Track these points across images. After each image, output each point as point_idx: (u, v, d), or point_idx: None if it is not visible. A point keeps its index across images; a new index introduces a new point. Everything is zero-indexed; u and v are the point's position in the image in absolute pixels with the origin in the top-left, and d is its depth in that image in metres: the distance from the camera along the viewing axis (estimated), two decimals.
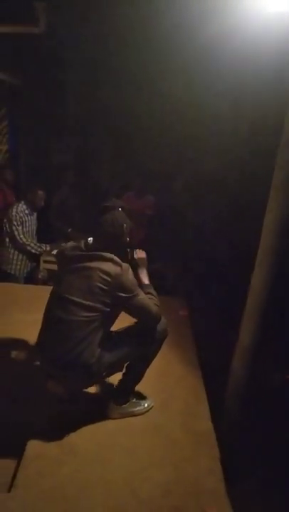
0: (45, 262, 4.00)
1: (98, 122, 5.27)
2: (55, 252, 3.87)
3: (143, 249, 2.15)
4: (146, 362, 2.05)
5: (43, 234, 4.25)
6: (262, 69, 3.46)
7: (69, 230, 4.34)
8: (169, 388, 2.41)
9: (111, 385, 2.26)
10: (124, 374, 2.08)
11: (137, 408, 2.14)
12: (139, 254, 2.10)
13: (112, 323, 1.93)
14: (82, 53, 4.88)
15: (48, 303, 1.94)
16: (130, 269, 1.82)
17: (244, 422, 2.37)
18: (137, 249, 2.11)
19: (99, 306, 1.76)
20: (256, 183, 2.53)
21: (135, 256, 2.06)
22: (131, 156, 5.27)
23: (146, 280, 2.06)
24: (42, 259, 4.01)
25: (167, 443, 1.98)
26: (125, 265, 1.80)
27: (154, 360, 2.07)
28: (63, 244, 2.02)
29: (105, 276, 1.74)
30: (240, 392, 2.29)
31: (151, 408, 2.18)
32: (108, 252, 1.80)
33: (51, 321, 1.88)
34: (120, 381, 2.12)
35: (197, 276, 4.19)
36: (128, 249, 2.04)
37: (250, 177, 4.10)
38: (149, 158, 5.07)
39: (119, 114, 5.04)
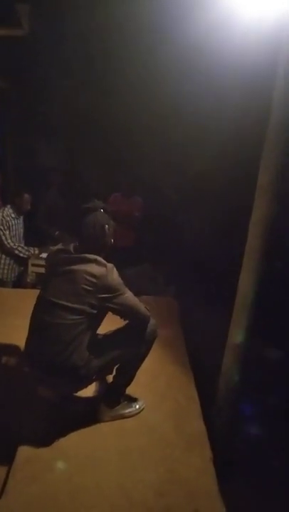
0: (34, 265, 3.97)
1: (86, 124, 5.26)
2: (43, 255, 3.84)
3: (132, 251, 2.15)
4: (137, 363, 2.05)
5: (31, 237, 4.23)
6: (246, 71, 3.49)
7: (56, 232, 4.32)
8: (161, 389, 2.41)
9: (102, 387, 2.25)
10: (114, 376, 2.08)
11: (129, 410, 2.13)
12: None
13: (99, 324, 1.92)
14: (67, 55, 4.87)
15: (34, 307, 1.92)
16: (115, 269, 1.81)
17: (236, 420, 2.38)
18: None
19: (85, 308, 1.75)
20: (244, 183, 2.54)
21: None
22: (119, 157, 5.26)
23: None
24: (30, 262, 3.98)
25: (159, 444, 1.97)
26: (110, 265, 1.79)
27: (145, 361, 2.07)
28: (51, 248, 2.01)
29: (90, 278, 1.73)
30: (231, 391, 2.29)
31: (142, 409, 2.18)
32: (92, 254, 1.79)
33: (38, 326, 1.86)
34: (111, 383, 2.11)
35: (187, 277, 4.21)
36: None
37: (237, 178, 4.13)
38: (137, 159, 5.08)
39: (107, 115, 5.04)
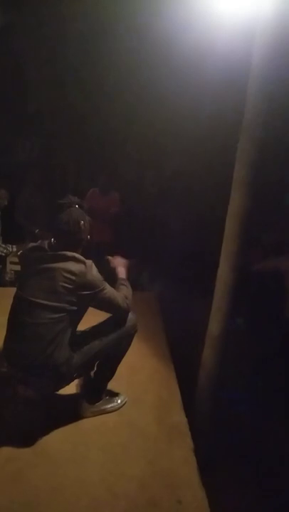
0: (12, 263, 3.91)
1: (63, 121, 5.19)
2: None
3: (116, 253, 2.16)
4: (118, 358, 2.05)
5: (9, 234, 4.15)
6: (221, 64, 3.51)
7: (36, 230, 4.25)
8: (142, 383, 2.42)
9: (83, 383, 2.24)
10: (95, 372, 2.07)
11: (110, 405, 2.13)
12: (116, 263, 2.13)
13: (80, 320, 1.90)
14: (44, 52, 4.79)
15: (12, 307, 1.87)
16: (94, 265, 1.79)
17: (216, 411, 2.41)
18: (111, 257, 2.10)
19: (65, 305, 1.72)
20: (221, 177, 2.57)
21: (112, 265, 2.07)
22: (97, 153, 5.22)
23: (123, 275, 2.09)
24: (8, 260, 3.91)
25: (141, 437, 1.98)
26: (88, 262, 1.77)
27: (127, 355, 2.08)
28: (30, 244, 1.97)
29: (69, 275, 1.70)
30: (211, 382, 2.32)
31: (124, 404, 2.18)
32: (69, 251, 1.76)
33: (17, 326, 1.81)
34: (92, 379, 2.11)
35: (168, 271, 4.23)
36: (106, 259, 2.07)
37: (215, 172, 4.16)
38: (116, 154, 5.05)
39: (85, 112, 4.98)
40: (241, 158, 1.98)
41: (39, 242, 1.88)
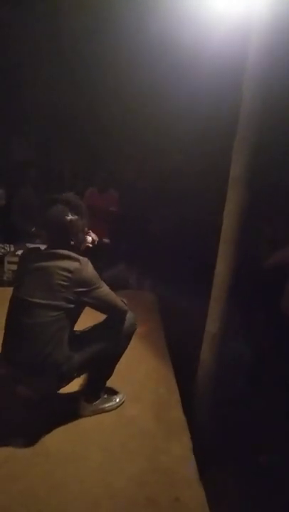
0: (10, 263, 3.90)
1: (60, 120, 5.19)
2: (19, 252, 3.79)
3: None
4: (116, 357, 2.05)
5: (7, 234, 4.15)
6: (216, 64, 3.51)
7: (33, 229, 4.25)
8: (141, 381, 2.43)
9: (81, 383, 2.25)
10: (94, 371, 2.07)
11: (109, 404, 2.14)
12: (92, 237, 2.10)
13: (77, 319, 1.90)
14: (38, 50, 4.78)
15: (9, 308, 1.86)
16: (90, 263, 1.78)
17: (215, 409, 2.42)
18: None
19: (62, 303, 1.72)
20: (217, 176, 2.57)
21: (89, 242, 2.04)
22: (94, 152, 5.22)
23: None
24: (6, 260, 3.91)
25: (140, 435, 1.99)
26: (84, 259, 1.76)
27: (125, 353, 2.08)
28: (27, 245, 1.97)
29: (65, 273, 1.70)
30: (209, 380, 2.33)
31: (123, 402, 2.19)
32: (63, 248, 1.76)
33: (15, 327, 1.81)
34: (90, 378, 2.11)
35: (164, 270, 4.23)
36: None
37: (211, 171, 4.16)
38: (113, 154, 5.05)
39: (82, 111, 4.98)
40: (237, 157, 1.98)
41: (37, 241, 1.88)
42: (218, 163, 2.41)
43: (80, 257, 1.76)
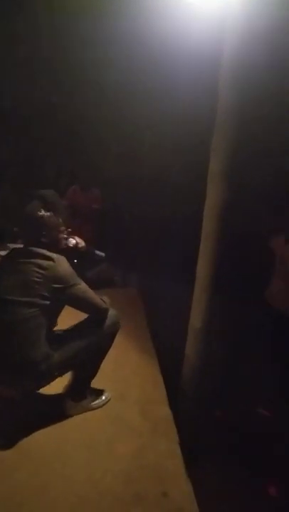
0: None
1: (40, 119, 5.11)
2: (1, 252, 3.73)
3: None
4: (100, 356, 2.04)
5: None
6: (194, 58, 3.50)
7: (15, 228, 4.19)
8: (127, 378, 2.43)
9: (67, 382, 2.23)
10: (78, 370, 2.05)
11: (95, 402, 2.14)
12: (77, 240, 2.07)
13: (56, 318, 1.89)
14: (16, 48, 4.70)
15: None
16: (65, 260, 1.77)
17: (200, 403, 2.43)
18: (71, 238, 2.07)
19: (36, 300, 1.70)
20: (196, 172, 2.58)
21: (70, 244, 2.02)
22: (76, 151, 5.17)
23: None
24: None
25: (126, 432, 1.99)
26: (58, 256, 1.75)
27: (110, 351, 2.07)
28: (9, 245, 1.94)
29: (38, 269, 1.69)
30: (194, 374, 2.34)
31: (109, 400, 2.18)
32: (37, 246, 1.75)
33: None
34: (75, 377, 2.09)
35: (148, 266, 4.24)
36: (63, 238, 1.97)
37: (190, 167, 4.17)
38: (96, 151, 5.01)
39: (62, 109, 4.92)
40: (216, 152, 1.98)
41: (19, 241, 1.85)
42: (198, 159, 2.41)
43: (55, 255, 1.74)
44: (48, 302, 1.73)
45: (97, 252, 2.24)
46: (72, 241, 2.05)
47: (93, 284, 1.94)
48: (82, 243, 2.10)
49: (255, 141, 3.62)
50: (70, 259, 1.82)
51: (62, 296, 1.76)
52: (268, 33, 2.03)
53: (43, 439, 1.90)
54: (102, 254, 2.26)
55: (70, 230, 2.01)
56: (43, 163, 5.42)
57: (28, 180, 4.72)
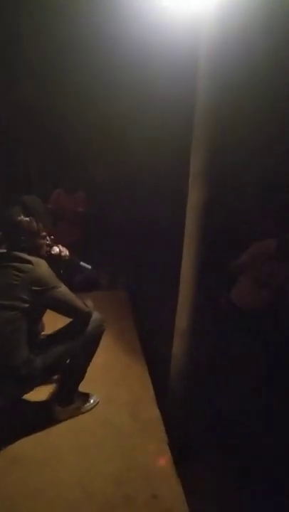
0: None
1: (27, 116, 5.08)
2: None
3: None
4: (86, 360, 2.04)
5: None
6: (169, 62, 3.52)
7: None
8: (115, 380, 2.43)
9: (54, 387, 2.22)
10: (65, 374, 2.05)
11: (84, 406, 2.14)
12: (60, 249, 2.07)
13: (37, 322, 1.88)
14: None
15: None
16: (44, 263, 1.77)
17: (189, 403, 2.44)
18: (55, 246, 2.06)
19: (15, 303, 1.70)
20: (179, 171, 2.59)
21: (53, 252, 2.02)
22: (60, 153, 5.15)
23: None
24: None
25: (116, 434, 2.00)
26: (37, 259, 1.75)
27: (98, 354, 2.07)
28: None
29: (17, 272, 1.69)
30: (182, 375, 2.35)
31: (97, 404, 2.19)
32: (17, 250, 1.75)
33: None
34: (62, 382, 2.09)
35: (134, 269, 4.24)
36: (46, 244, 1.96)
37: (173, 167, 4.19)
38: (80, 154, 5.00)
39: (45, 110, 4.90)
40: (196, 154, 2.00)
41: (2, 246, 1.84)
42: (178, 160, 2.43)
43: (34, 258, 1.75)
44: (26, 305, 1.72)
45: (83, 264, 2.22)
46: (56, 249, 2.03)
47: (80, 287, 1.94)
48: (65, 252, 2.09)
49: (238, 141, 3.65)
50: (55, 270, 1.82)
51: (42, 299, 1.76)
52: (244, 34, 2.05)
53: (32, 444, 1.90)
54: (89, 266, 2.24)
55: (52, 237, 2.00)
56: (26, 166, 5.40)
57: (10, 184, 4.69)
